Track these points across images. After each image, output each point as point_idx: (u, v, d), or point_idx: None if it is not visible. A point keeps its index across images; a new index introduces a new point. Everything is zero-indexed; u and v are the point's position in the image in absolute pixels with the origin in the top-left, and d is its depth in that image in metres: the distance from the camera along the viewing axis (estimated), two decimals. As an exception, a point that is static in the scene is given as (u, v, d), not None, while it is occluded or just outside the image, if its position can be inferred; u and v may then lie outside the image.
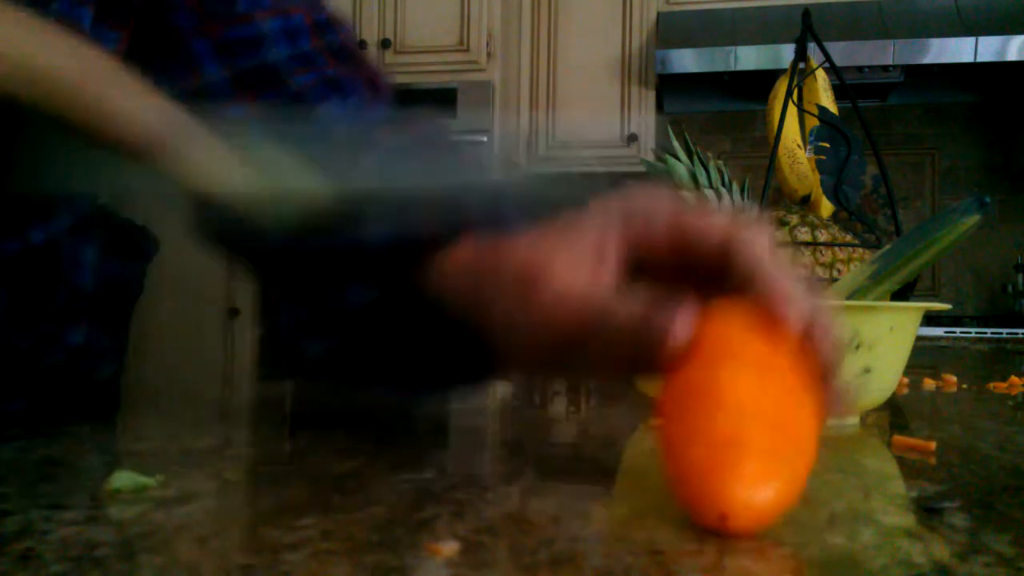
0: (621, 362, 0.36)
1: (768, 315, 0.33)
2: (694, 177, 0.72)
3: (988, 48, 2.63)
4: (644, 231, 0.37)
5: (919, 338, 0.60)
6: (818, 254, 0.83)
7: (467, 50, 3.03)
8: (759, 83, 2.72)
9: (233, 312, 3.05)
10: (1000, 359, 1.47)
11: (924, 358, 1.33)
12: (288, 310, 0.51)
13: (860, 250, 0.85)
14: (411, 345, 0.47)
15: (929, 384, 0.82)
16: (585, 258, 0.36)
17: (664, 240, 0.36)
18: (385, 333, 0.48)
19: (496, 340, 0.39)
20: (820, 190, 0.88)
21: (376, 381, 0.50)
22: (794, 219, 0.85)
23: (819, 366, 0.33)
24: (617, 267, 0.36)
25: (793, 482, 0.29)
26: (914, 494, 0.37)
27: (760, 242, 0.35)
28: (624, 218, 0.37)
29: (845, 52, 2.63)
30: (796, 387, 0.31)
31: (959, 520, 0.32)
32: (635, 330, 0.34)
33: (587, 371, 0.40)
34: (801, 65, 0.94)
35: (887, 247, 0.60)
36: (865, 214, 0.83)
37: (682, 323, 0.33)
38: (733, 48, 2.72)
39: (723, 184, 0.71)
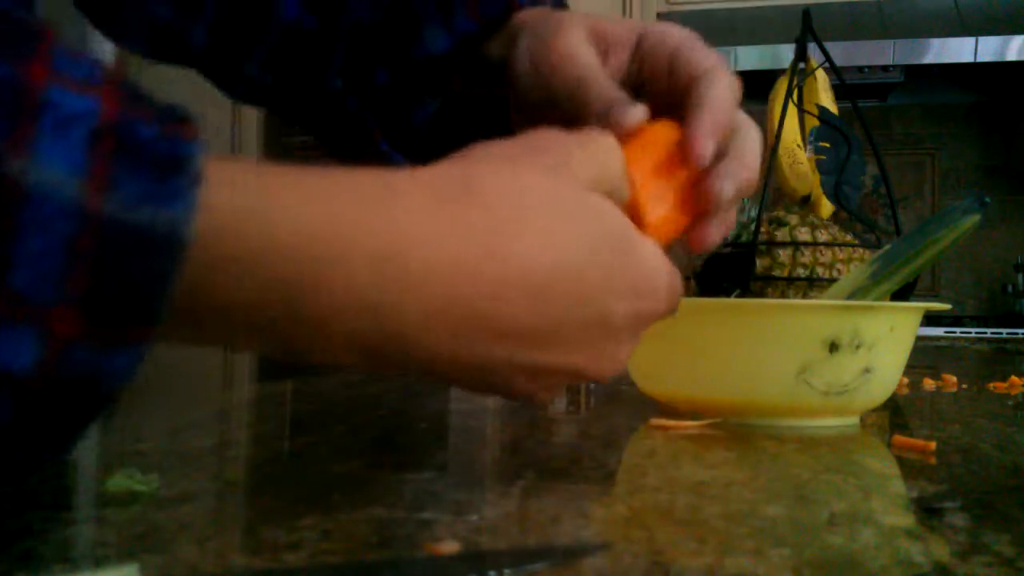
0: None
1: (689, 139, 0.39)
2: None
3: (988, 48, 2.63)
4: (656, 42, 0.44)
5: (919, 338, 0.60)
6: (818, 254, 0.83)
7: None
8: (759, 83, 2.70)
9: (233, 312, 3.05)
10: (1000, 359, 1.47)
11: (924, 358, 1.33)
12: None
13: (860, 250, 0.84)
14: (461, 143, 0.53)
15: (929, 384, 0.82)
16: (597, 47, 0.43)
17: (666, 55, 0.43)
18: (444, 137, 0.53)
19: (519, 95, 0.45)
20: (820, 190, 0.88)
21: None
22: (794, 219, 0.85)
23: (708, 197, 0.38)
24: (619, 62, 0.43)
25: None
26: (914, 494, 0.37)
27: (731, 86, 0.42)
28: (643, 30, 0.44)
29: (845, 52, 2.63)
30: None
31: (959, 520, 0.32)
32: (606, 102, 0.40)
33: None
34: (801, 65, 0.94)
35: (887, 247, 0.60)
36: (865, 214, 0.83)
37: (637, 112, 0.39)
38: (733, 48, 2.71)
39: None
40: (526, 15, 0.47)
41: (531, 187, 0.31)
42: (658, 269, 0.34)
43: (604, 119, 0.39)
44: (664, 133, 0.39)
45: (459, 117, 0.53)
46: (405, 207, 0.28)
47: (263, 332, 0.27)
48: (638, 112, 0.39)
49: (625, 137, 0.38)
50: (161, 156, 0.23)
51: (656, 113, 0.40)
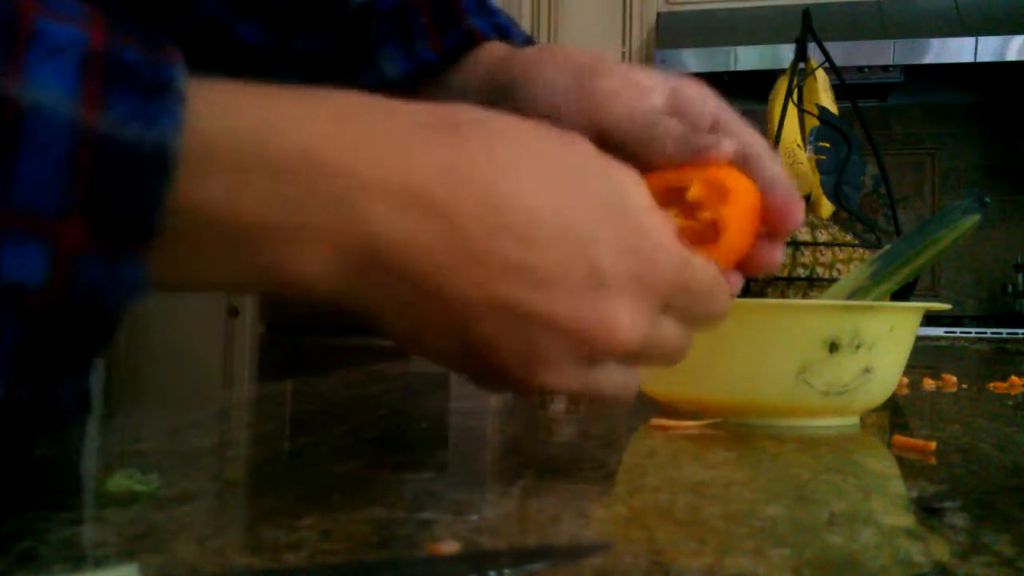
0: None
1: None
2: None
3: (988, 48, 2.63)
4: (697, 107, 0.43)
5: (919, 338, 0.60)
6: (818, 254, 0.83)
7: (467, 50, 3.02)
8: (759, 83, 2.70)
9: (233, 312, 3.05)
10: (1000, 359, 1.47)
11: (924, 358, 1.33)
12: None
13: (860, 250, 0.84)
14: None
15: (929, 384, 0.82)
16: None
17: (708, 118, 0.43)
18: None
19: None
20: (820, 190, 0.88)
21: None
22: (794, 219, 0.85)
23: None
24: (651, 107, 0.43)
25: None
26: (914, 494, 0.37)
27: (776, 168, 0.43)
28: (675, 84, 0.44)
29: (845, 52, 2.63)
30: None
31: (959, 520, 0.32)
32: (683, 138, 0.41)
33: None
34: (801, 65, 0.94)
35: (887, 247, 0.60)
36: (865, 214, 0.83)
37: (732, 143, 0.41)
38: (733, 48, 2.72)
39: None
40: (509, 54, 0.46)
41: (516, 140, 0.32)
42: (664, 245, 0.33)
43: (692, 145, 0.41)
44: (741, 178, 0.42)
45: None
46: (380, 127, 0.29)
47: (250, 251, 0.27)
48: (732, 143, 0.41)
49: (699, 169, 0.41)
50: (147, 79, 0.24)
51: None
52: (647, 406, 0.59)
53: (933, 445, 0.47)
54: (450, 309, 0.30)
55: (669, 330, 0.35)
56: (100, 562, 0.26)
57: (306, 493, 0.35)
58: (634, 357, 0.34)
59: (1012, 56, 2.63)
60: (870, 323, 0.53)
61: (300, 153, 0.27)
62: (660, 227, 0.33)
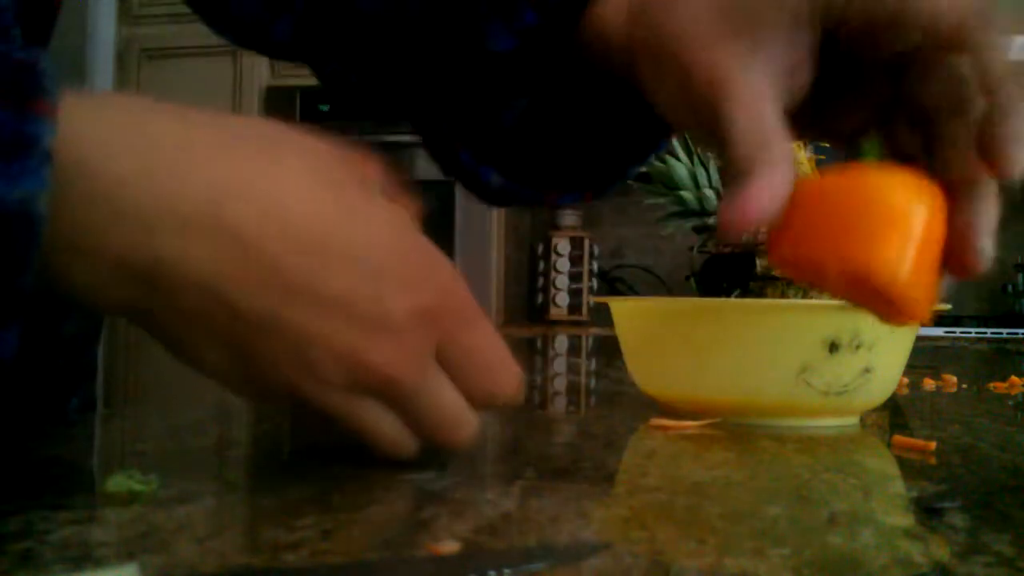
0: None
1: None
2: (694, 177, 0.72)
3: (988, 48, 2.63)
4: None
5: (919, 338, 0.60)
6: (818, 254, 0.82)
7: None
8: (759, 83, 2.69)
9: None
10: (1000, 359, 1.47)
11: (924, 358, 1.33)
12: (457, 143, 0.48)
13: (860, 250, 0.84)
14: (578, 140, 0.47)
15: (929, 384, 0.82)
16: None
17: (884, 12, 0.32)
18: (551, 136, 0.47)
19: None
20: (820, 190, 0.88)
21: (557, 186, 0.49)
22: (794, 219, 0.85)
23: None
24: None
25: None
26: (914, 494, 0.37)
27: (999, 48, 0.30)
28: None
29: (845, 52, 2.62)
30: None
31: (959, 520, 0.32)
32: (753, 146, 0.32)
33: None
34: (801, 65, 0.94)
35: (887, 247, 0.60)
36: (865, 214, 0.82)
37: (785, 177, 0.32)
38: (733, 48, 2.72)
39: (723, 184, 0.71)
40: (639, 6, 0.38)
41: (301, 158, 0.32)
42: (452, 285, 0.33)
43: (749, 171, 0.32)
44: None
45: (558, 110, 0.46)
46: (165, 142, 0.29)
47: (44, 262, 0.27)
48: (786, 178, 0.31)
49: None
50: (10, 136, 0.24)
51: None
52: (647, 406, 0.59)
53: (933, 445, 0.47)
54: (232, 322, 0.30)
55: (446, 391, 0.35)
56: (100, 562, 0.26)
57: (306, 493, 0.35)
58: (405, 406, 0.34)
59: (1012, 56, 2.63)
60: (870, 323, 0.52)
61: (82, 166, 0.27)
62: (448, 265, 0.33)
